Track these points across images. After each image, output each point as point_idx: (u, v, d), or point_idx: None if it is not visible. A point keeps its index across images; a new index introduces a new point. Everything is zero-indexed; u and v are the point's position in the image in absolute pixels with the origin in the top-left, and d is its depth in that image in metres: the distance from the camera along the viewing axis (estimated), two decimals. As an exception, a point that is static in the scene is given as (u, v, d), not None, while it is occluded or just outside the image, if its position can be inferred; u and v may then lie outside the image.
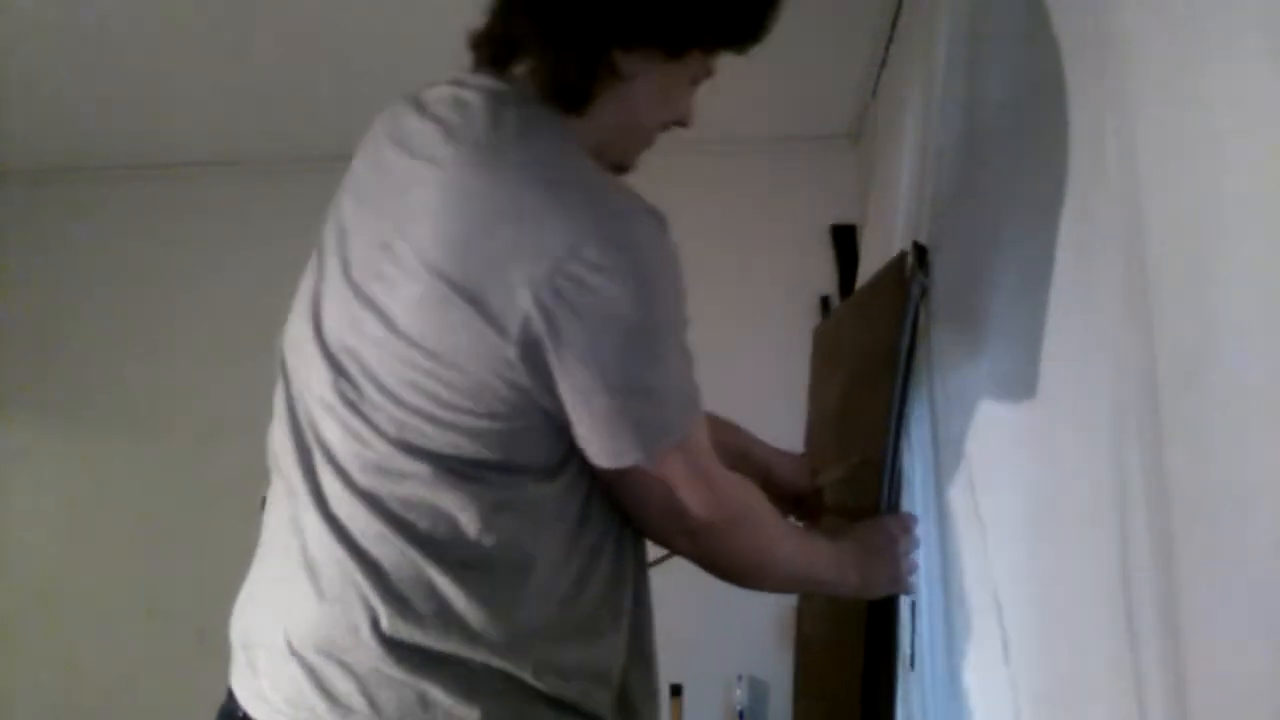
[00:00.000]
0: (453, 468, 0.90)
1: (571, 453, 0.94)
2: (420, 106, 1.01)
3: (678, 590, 2.42)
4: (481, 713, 0.88)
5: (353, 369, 0.93)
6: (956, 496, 1.27)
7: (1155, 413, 0.73)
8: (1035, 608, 1.03)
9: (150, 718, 2.40)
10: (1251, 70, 0.61)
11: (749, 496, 1.08)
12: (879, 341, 1.47)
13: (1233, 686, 0.62)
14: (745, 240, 2.67)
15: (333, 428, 0.93)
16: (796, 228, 2.66)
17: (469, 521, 0.90)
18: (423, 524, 0.90)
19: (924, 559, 1.40)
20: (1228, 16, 0.64)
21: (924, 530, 1.41)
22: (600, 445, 0.92)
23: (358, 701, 0.87)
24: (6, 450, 2.66)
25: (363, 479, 0.91)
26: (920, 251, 1.37)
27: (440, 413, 0.89)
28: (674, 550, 1.06)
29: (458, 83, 1.01)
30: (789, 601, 2.37)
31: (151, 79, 2.41)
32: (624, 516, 1.01)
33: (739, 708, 2.26)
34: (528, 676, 0.90)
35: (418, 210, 0.91)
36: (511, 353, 0.86)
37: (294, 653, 0.91)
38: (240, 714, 0.96)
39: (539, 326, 0.86)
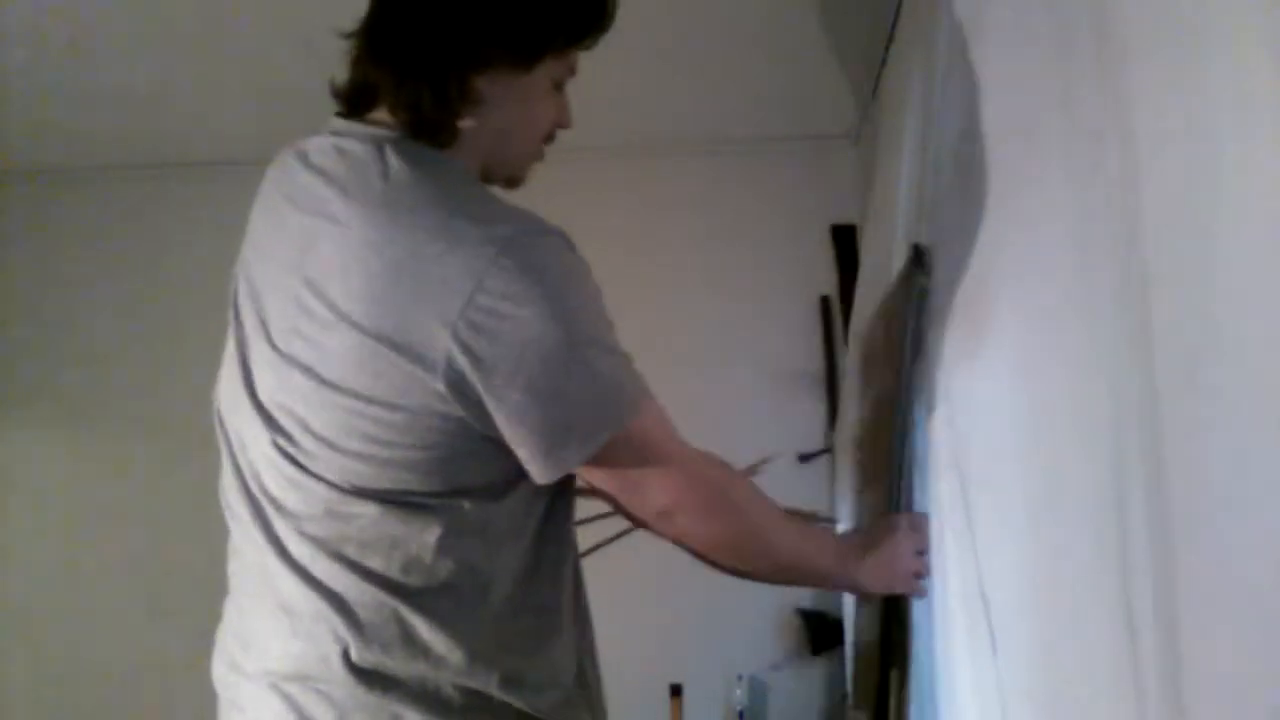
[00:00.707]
0: (399, 502, 0.93)
1: (518, 470, 0.96)
2: (305, 159, 1.05)
3: (678, 590, 2.43)
4: None
5: (288, 423, 0.96)
6: (953, 496, 1.27)
7: (1155, 412, 0.73)
8: (1034, 607, 1.03)
9: (151, 717, 2.40)
10: (1251, 70, 0.61)
11: (726, 478, 1.11)
12: (894, 349, 1.48)
13: (1231, 686, 0.62)
14: (745, 240, 2.67)
15: (277, 481, 0.97)
16: (796, 228, 2.66)
17: (422, 550, 0.93)
18: (377, 559, 0.93)
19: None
20: (1228, 16, 0.64)
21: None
22: (542, 463, 0.94)
23: None
24: (7, 450, 2.66)
25: (312, 527, 0.95)
26: (918, 253, 1.38)
27: (380, 452, 0.91)
28: (664, 537, 1.10)
29: (336, 133, 1.03)
30: (789, 602, 2.37)
31: (151, 79, 2.41)
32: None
33: (739, 708, 2.26)
34: (495, 691, 0.93)
35: (324, 267, 0.94)
36: (440, 387, 0.89)
37: (274, 686, 0.95)
38: None
39: (462, 361, 0.88)
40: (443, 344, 0.88)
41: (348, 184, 0.96)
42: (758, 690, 2.31)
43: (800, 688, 2.29)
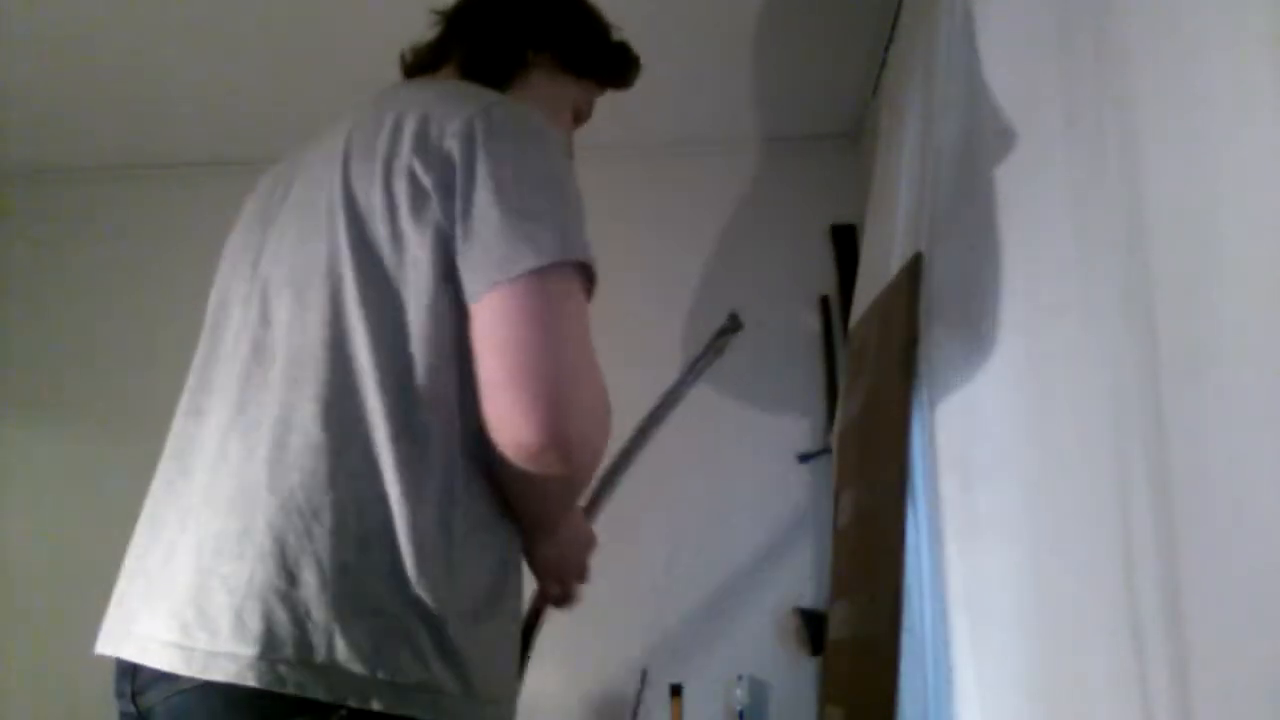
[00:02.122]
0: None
1: None
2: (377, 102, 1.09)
3: (678, 590, 2.43)
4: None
5: None
6: (956, 496, 1.27)
7: (1156, 412, 0.73)
8: (1037, 607, 1.03)
9: (150, 718, 2.41)
10: (1251, 69, 0.61)
11: (602, 392, 0.94)
12: (892, 348, 1.49)
13: (1236, 683, 0.62)
14: (745, 240, 2.66)
15: None
16: (796, 228, 2.65)
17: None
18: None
19: (923, 559, 1.40)
20: (1228, 16, 0.64)
21: (925, 531, 1.41)
22: (499, 254, 0.87)
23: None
24: (6, 450, 2.66)
25: None
26: (733, 319, 1.39)
27: None
28: (511, 416, 0.86)
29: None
30: (789, 602, 2.37)
31: (151, 79, 2.41)
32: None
33: (739, 708, 2.26)
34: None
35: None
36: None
37: None
38: None
39: (457, 157, 0.91)
40: (447, 146, 0.93)
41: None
42: (758, 690, 2.31)
43: (800, 688, 2.28)
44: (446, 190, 0.91)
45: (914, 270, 1.48)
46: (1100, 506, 0.83)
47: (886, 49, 2.13)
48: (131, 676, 0.94)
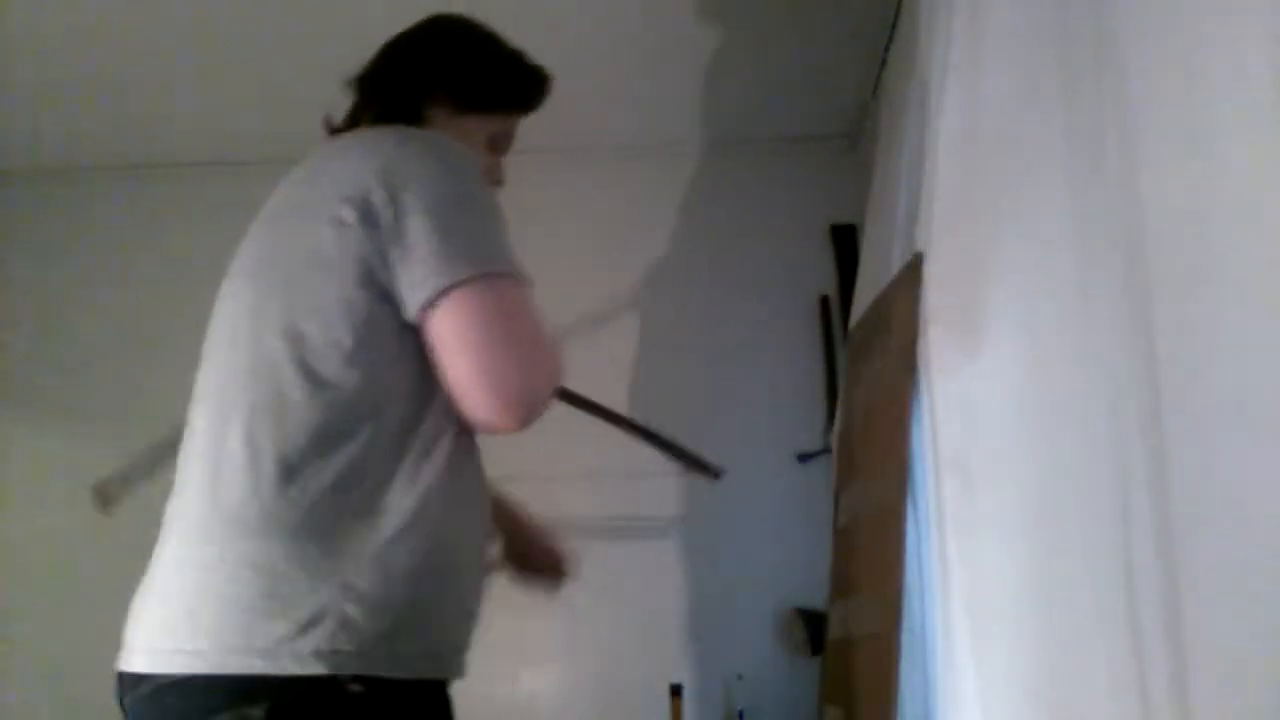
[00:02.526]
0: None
1: None
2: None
3: (678, 590, 2.43)
4: None
5: None
6: (956, 496, 1.27)
7: (1156, 412, 0.73)
8: (1037, 607, 1.03)
9: (150, 718, 2.41)
10: (1251, 70, 0.61)
11: (550, 365, 1.07)
12: (892, 348, 1.49)
13: (1236, 685, 0.62)
14: (745, 240, 2.66)
15: None
16: (796, 228, 2.65)
17: None
18: None
19: (923, 559, 1.40)
20: (1228, 16, 0.64)
21: (925, 531, 1.41)
22: (435, 267, 1.00)
23: None
24: (6, 450, 2.65)
25: None
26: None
27: None
28: (479, 395, 1.01)
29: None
30: (789, 602, 2.37)
31: (151, 79, 2.41)
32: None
33: (739, 708, 2.26)
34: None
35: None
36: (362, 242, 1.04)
37: None
38: None
39: (382, 191, 1.03)
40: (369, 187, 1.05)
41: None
42: (758, 690, 2.31)
43: (800, 688, 2.28)
44: (373, 222, 1.02)
45: (914, 270, 1.48)
46: (1100, 506, 0.83)
47: (886, 49, 2.13)
48: (120, 682, 1.02)
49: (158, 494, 2.63)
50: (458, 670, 1.06)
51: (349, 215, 1.02)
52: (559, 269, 2.65)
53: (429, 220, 1.01)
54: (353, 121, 1.31)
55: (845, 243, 2.59)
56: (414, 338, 1.03)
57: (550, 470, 2.21)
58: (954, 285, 1.33)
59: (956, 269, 1.32)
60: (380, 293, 1.02)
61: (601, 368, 2.55)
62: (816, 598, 2.34)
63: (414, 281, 1.00)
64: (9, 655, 2.49)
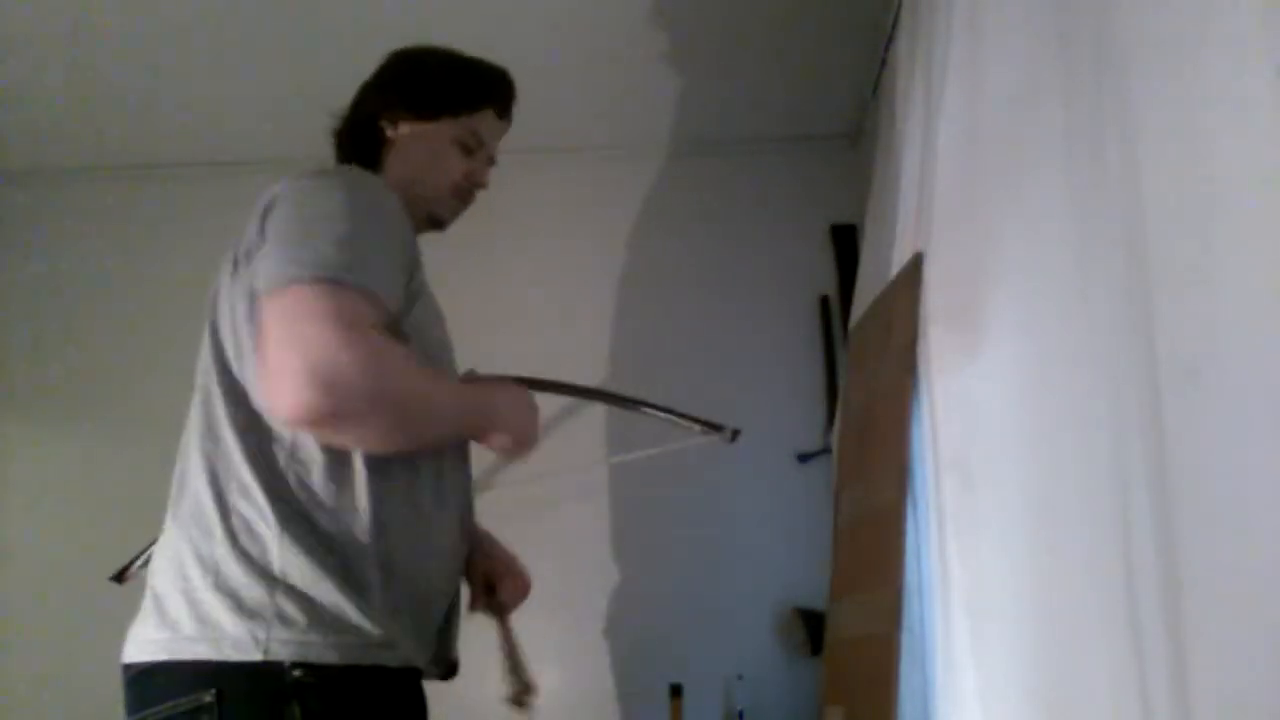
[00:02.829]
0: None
1: None
2: None
3: (678, 590, 2.43)
4: None
5: None
6: (956, 496, 1.27)
7: (1156, 412, 0.73)
8: (1037, 607, 1.03)
9: (150, 718, 2.40)
10: (1251, 70, 0.61)
11: (394, 358, 1.08)
12: (892, 348, 1.49)
13: (1236, 684, 0.62)
14: (745, 240, 2.66)
15: None
16: (796, 228, 2.65)
17: None
18: None
19: (924, 559, 1.40)
20: (1228, 16, 0.64)
21: (925, 531, 1.41)
22: (269, 269, 1.06)
23: None
24: (6, 450, 2.65)
25: None
26: None
27: None
28: (285, 410, 1.03)
29: None
30: (789, 602, 2.37)
31: (151, 79, 2.41)
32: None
33: (739, 708, 2.26)
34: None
35: None
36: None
37: None
38: None
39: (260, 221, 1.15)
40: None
41: None
42: (758, 690, 2.31)
43: (800, 688, 2.28)
44: (248, 256, 1.15)
45: (915, 270, 1.48)
46: (1100, 506, 0.83)
47: (886, 49, 2.13)
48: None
49: (158, 494, 2.63)
50: (400, 658, 1.11)
51: (237, 250, 1.20)
52: (559, 269, 2.65)
53: (273, 235, 1.11)
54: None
55: (845, 243, 2.59)
56: None
57: (550, 470, 2.21)
58: (954, 285, 1.33)
59: (956, 269, 1.32)
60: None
61: (602, 368, 2.55)
62: (816, 598, 2.34)
63: (256, 285, 1.10)
64: (9, 656, 2.49)
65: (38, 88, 2.43)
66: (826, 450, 2.46)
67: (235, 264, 1.18)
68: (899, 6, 1.95)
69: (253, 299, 1.11)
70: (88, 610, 2.52)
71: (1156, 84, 0.74)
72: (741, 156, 2.72)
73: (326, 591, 1.05)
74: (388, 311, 1.09)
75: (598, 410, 2.45)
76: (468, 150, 1.40)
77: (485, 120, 1.41)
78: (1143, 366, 0.74)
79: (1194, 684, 0.67)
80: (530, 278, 2.63)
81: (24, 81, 2.40)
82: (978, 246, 1.23)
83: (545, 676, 2.55)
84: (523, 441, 1.28)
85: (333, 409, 1.00)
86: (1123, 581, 0.78)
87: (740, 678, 2.29)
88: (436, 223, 1.42)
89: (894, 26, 2.02)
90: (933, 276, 1.42)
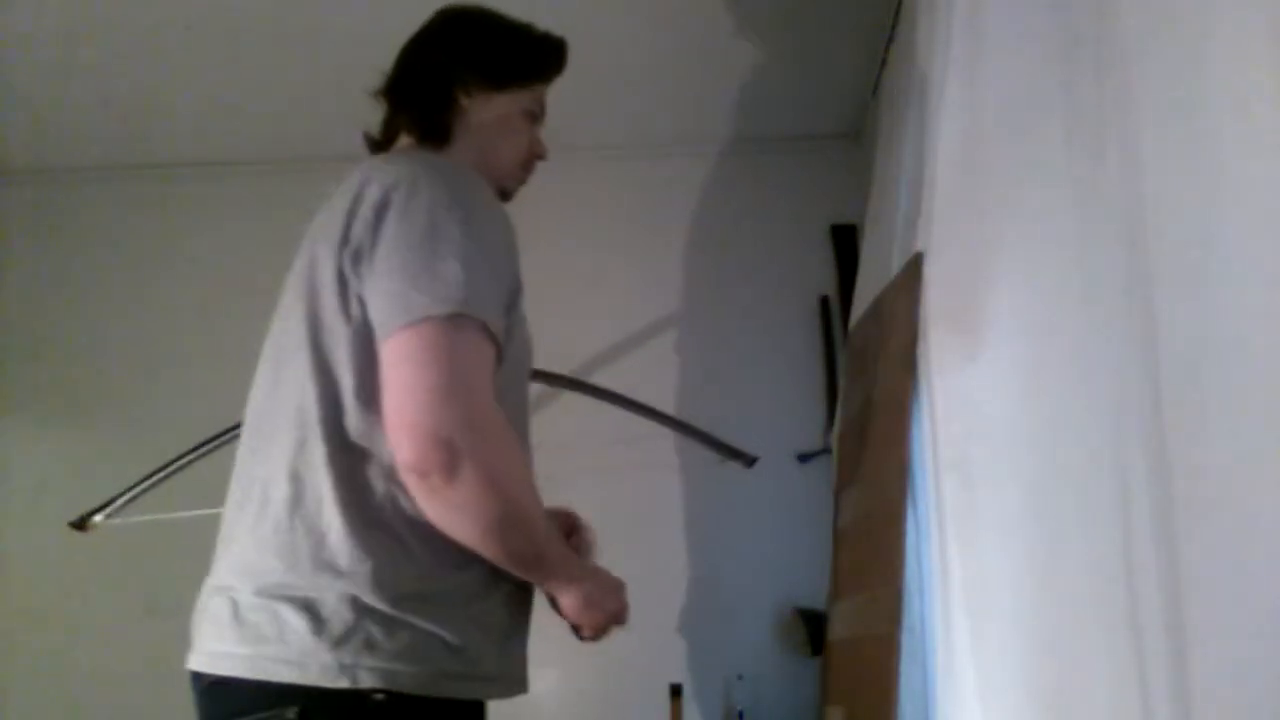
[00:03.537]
0: None
1: None
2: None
3: (678, 590, 2.43)
4: None
5: None
6: (956, 496, 1.27)
7: (1157, 411, 0.73)
8: (1037, 607, 1.03)
9: (150, 716, 2.40)
10: (1252, 70, 0.61)
11: (505, 427, 1.07)
12: (892, 348, 1.49)
13: (1237, 683, 0.62)
14: (745, 240, 2.66)
15: None
16: (796, 228, 2.65)
17: None
18: None
19: (924, 559, 1.40)
20: (1228, 16, 0.64)
21: (925, 531, 1.41)
22: (385, 311, 1.05)
23: None
24: (6, 449, 2.65)
25: None
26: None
27: None
28: (411, 453, 1.01)
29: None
30: (789, 602, 2.37)
31: (151, 79, 2.41)
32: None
33: (739, 708, 2.26)
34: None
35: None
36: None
37: None
38: None
39: (372, 224, 1.09)
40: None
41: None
42: (758, 690, 2.31)
43: (800, 688, 2.28)
44: (358, 256, 1.09)
45: (915, 270, 1.48)
46: (1100, 506, 0.83)
47: (886, 49, 2.13)
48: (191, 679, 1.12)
49: (155, 496, 2.62)
50: (486, 691, 1.11)
51: (355, 246, 1.09)
52: (558, 269, 2.65)
53: (390, 260, 1.06)
54: (389, 131, 1.33)
55: (845, 243, 2.59)
56: None
57: (550, 469, 2.21)
58: (954, 285, 1.33)
59: (956, 269, 1.32)
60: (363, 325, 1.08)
61: (602, 367, 2.55)
62: (816, 598, 2.34)
63: (375, 319, 1.06)
64: (9, 657, 2.49)
65: (38, 88, 2.43)
66: (826, 450, 2.46)
67: (340, 262, 1.10)
68: (899, 6, 1.95)
69: (364, 312, 1.08)
70: (87, 612, 2.53)
71: (1157, 84, 0.74)
72: (741, 156, 2.72)
73: (413, 621, 1.03)
74: (498, 344, 1.08)
75: (593, 406, 2.45)
76: (533, 119, 1.37)
77: (543, 88, 1.39)
78: (1143, 366, 0.74)
79: (1194, 684, 0.67)
80: (528, 277, 2.63)
81: (24, 81, 2.40)
82: (978, 246, 1.23)
83: (545, 676, 2.55)
84: (604, 625, 1.28)
85: (448, 477, 0.99)
86: (1123, 581, 0.78)
87: (740, 678, 2.29)
88: (504, 196, 1.35)
89: (894, 26, 2.02)
90: (933, 276, 1.42)
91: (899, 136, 1.78)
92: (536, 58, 1.36)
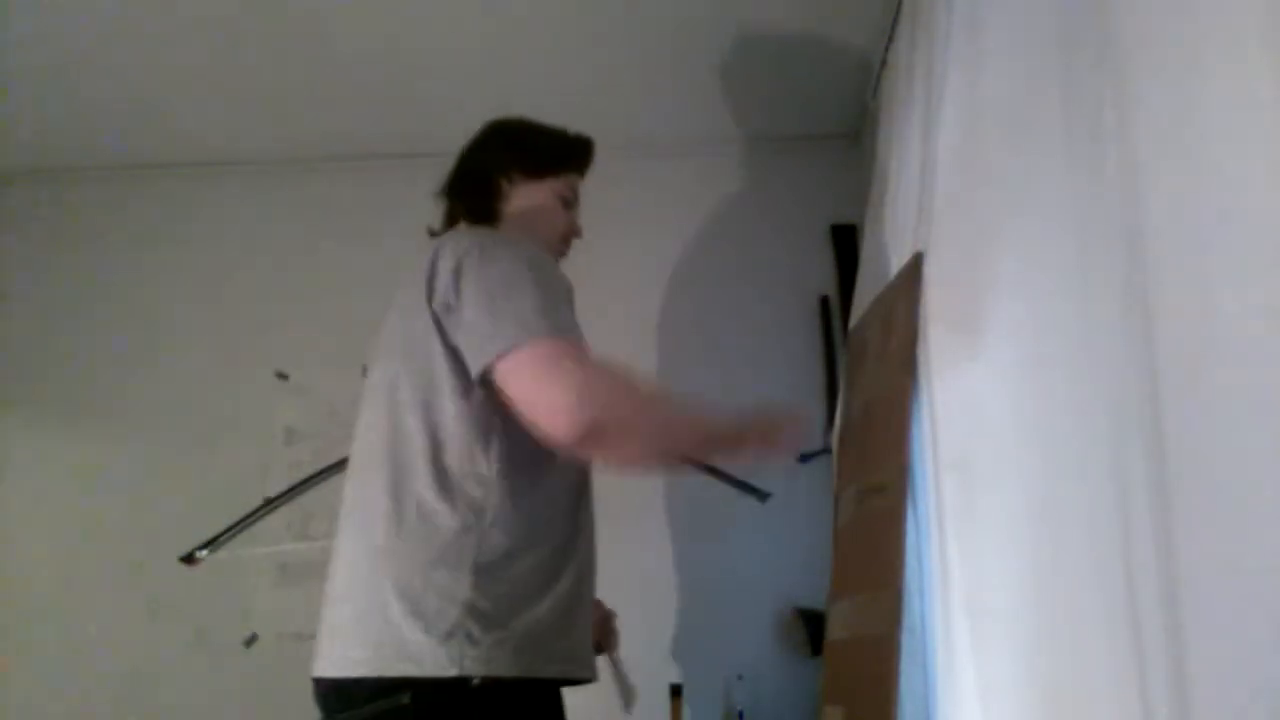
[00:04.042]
0: None
1: None
2: None
3: (678, 590, 2.43)
4: None
5: None
6: (956, 496, 1.27)
7: (1156, 411, 0.73)
8: (1037, 607, 1.03)
9: (150, 718, 2.40)
10: (1251, 70, 0.61)
11: (615, 381, 1.31)
12: (892, 348, 1.49)
13: (1236, 684, 0.62)
14: (745, 240, 2.66)
15: None
16: (796, 228, 2.65)
17: None
18: None
19: (924, 559, 1.40)
20: (1228, 16, 0.64)
21: (925, 531, 1.41)
22: (490, 336, 1.26)
23: None
24: (6, 451, 2.65)
25: None
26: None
27: None
28: (563, 431, 1.22)
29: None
30: (789, 602, 2.37)
31: (152, 79, 2.41)
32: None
33: (739, 708, 2.26)
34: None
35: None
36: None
37: None
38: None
39: (452, 283, 1.31)
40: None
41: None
42: (758, 690, 2.31)
43: (800, 688, 2.28)
44: (447, 308, 1.30)
45: (915, 270, 1.48)
46: (1100, 506, 0.83)
47: (886, 49, 2.13)
48: (314, 684, 1.31)
49: (158, 494, 2.62)
50: (571, 669, 1.32)
51: (439, 304, 1.31)
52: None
53: (473, 306, 1.28)
54: (449, 223, 1.58)
55: (845, 243, 2.59)
56: (480, 397, 1.28)
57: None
58: (954, 285, 1.33)
59: (956, 269, 1.32)
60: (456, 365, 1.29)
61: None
62: (816, 598, 2.34)
63: (472, 352, 1.27)
64: (9, 658, 2.49)
65: (38, 88, 2.44)
66: (826, 450, 2.46)
67: (434, 314, 1.30)
68: (899, 6, 1.95)
69: (451, 359, 1.29)
70: (87, 613, 2.53)
71: (1156, 84, 0.74)
72: (741, 156, 2.72)
73: (508, 617, 1.23)
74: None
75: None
76: (566, 203, 1.60)
77: (577, 179, 1.64)
78: (1143, 366, 0.74)
79: (1194, 684, 0.67)
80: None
81: (25, 81, 2.40)
82: (978, 246, 1.23)
83: (545, 676, 2.54)
84: (781, 443, 1.44)
85: (604, 424, 1.22)
86: (1123, 581, 0.78)
87: (740, 678, 2.29)
88: None
89: (894, 26, 2.02)
90: (933, 276, 1.42)
91: (899, 136, 1.78)
92: (566, 151, 1.62)
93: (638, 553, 2.44)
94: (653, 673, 2.32)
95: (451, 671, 1.19)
